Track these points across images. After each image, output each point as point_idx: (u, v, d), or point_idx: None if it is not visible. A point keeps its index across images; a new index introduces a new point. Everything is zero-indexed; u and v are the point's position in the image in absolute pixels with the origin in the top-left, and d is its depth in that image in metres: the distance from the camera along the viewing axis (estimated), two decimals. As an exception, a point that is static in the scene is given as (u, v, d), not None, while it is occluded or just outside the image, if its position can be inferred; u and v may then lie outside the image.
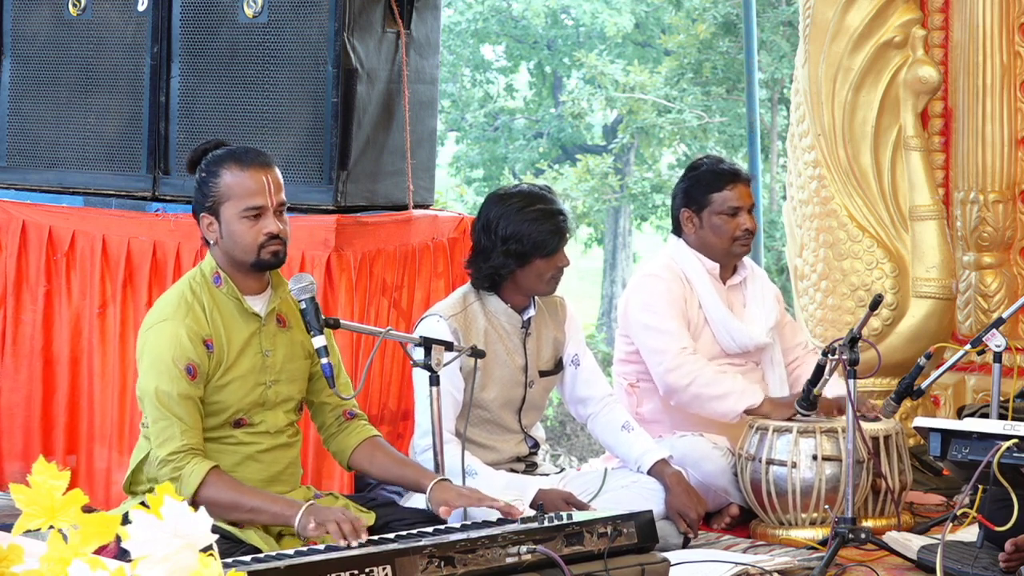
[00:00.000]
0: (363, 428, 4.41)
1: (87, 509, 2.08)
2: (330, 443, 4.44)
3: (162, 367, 4.08)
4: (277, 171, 4.22)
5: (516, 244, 4.96)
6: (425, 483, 4.24)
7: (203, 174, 4.20)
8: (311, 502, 4.02)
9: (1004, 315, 5.44)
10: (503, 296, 5.07)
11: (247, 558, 3.52)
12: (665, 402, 5.62)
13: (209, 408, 4.17)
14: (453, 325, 4.95)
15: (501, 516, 4.05)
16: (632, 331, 5.61)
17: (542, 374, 5.20)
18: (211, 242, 4.21)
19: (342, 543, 3.73)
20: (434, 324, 4.93)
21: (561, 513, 4.03)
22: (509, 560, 3.71)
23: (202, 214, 4.20)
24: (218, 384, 4.16)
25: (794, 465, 5.17)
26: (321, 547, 3.67)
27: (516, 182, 19.07)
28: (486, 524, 3.94)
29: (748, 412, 5.38)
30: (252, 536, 4.02)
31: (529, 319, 5.13)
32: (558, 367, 5.25)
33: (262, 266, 4.19)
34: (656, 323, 5.50)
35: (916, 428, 4.47)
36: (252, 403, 4.21)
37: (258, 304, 4.24)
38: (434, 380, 4.35)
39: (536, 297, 5.15)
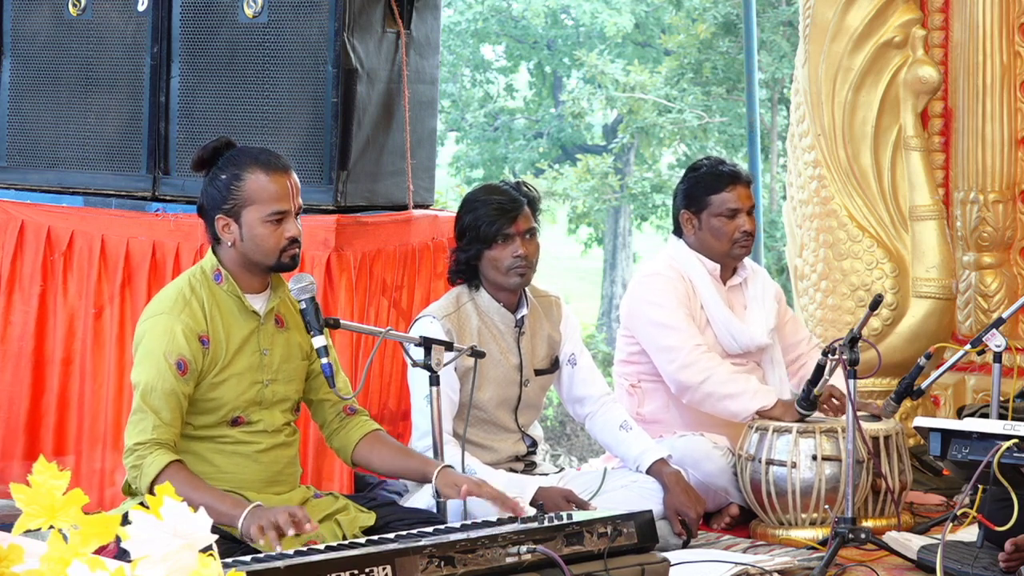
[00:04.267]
0: (365, 423, 4.42)
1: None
2: (333, 440, 4.45)
3: (152, 360, 4.09)
4: (295, 175, 4.25)
5: (472, 232, 5.01)
6: (430, 470, 4.26)
7: (223, 176, 4.18)
8: (257, 503, 3.97)
9: (1004, 315, 5.44)
10: (491, 293, 5.08)
11: (247, 558, 3.52)
12: (666, 403, 5.61)
13: (206, 405, 4.17)
14: (447, 326, 4.96)
15: (501, 514, 4.05)
16: (639, 329, 5.60)
17: (537, 373, 5.20)
18: (227, 243, 4.19)
19: (278, 548, 3.71)
20: (427, 325, 4.93)
21: (561, 513, 4.02)
22: (509, 560, 3.71)
23: (218, 216, 4.19)
24: (214, 381, 4.16)
25: (794, 465, 5.17)
26: (321, 547, 3.67)
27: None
28: (486, 524, 3.93)
29: (760, 414, 5.38)
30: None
31: (522, 318, 5.13)
32: (554, 366, 5.25)
33: (281, 268, 4.22)
34: (666, 320, 5.50)
35: (916, 428, 4.47)
36: (249, 401, 4.21)
37: (258, 303, 4.25)
38: (434, 380, 4.36)
39: (530, 296, 5.15)
